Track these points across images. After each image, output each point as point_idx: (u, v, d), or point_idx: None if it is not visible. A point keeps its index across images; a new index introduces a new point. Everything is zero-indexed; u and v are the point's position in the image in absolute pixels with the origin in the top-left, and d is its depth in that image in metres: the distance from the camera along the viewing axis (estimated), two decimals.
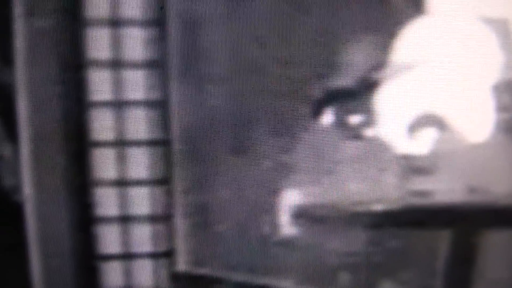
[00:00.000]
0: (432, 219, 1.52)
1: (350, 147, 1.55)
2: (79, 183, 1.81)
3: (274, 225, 1.65)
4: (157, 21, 1.73)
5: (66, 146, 1.79)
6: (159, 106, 1.76)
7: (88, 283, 1.83)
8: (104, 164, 1.79)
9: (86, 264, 1.84)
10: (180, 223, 1.74)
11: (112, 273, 1.85)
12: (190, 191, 1.73)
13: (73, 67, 1.75)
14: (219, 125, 1.65)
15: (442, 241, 1.53)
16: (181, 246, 1.74)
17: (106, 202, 1.81)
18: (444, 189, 1.50)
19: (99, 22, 1.75)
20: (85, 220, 1.83)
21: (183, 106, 1.72)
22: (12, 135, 2.03)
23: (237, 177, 1.64)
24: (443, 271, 1.52)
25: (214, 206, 1.70)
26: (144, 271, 1.84)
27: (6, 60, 1.98)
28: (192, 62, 1.67)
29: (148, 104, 1.76)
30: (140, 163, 1.79)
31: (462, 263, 1.50)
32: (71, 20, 1.74)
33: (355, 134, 1.54)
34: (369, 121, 1.54)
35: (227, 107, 1.65)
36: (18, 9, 1.76)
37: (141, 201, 1.79)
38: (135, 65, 1.74)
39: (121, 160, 1.78)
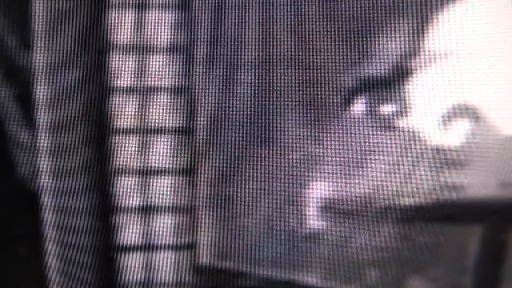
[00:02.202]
0: (464, 214, 1.60)
1: (381, 138, 1.64)
2: (99, 172, 1.91)
3: (301, 219, 1.74)
4: (183, 4, 1.83)
5: (86, 133, 1.89)
6: (184, 93, 1.85)
7: (107, 275, 1.94)
8: (126, 152, 1.89)
9: (105, 256, 1.94)
10: (204, 215, 1.83)
11: (132, 265, 1.95)
12: (214, 182, 1.82)
13: (95, 51, 1.85)
14: (246, 114, 1.74)
15: (473, 237, 1.62)
16: (204, 239, 1.84)
17: (127, 191, 1.92)
18: (476, 183, 1.59)
19: (123, 5, 1.84)
20: (104, 210, 1.93)
21: (209, 94, 1.82)
22: (30, 121, 2.14)
23: (264, 168, 1.73)
24: (473, 268, 1.60)
25: (239, 198, 1.79)
26: (166, 263, 1.94)
27: (24, 44, 2.09)
28: (219, 48, 1.76)
29: (172, 90, 1.86)
30: (163, 152, 1.89)
31: (493, 260, 1.58)
32: (94, 2, 1.84)
33: (386, 124, 1.63)
34: (401, 111, 1.63)
35: (254, 96, 1.74)
36: None
37: (164, 191, 1.89)
38: (159, 50, 1.83)
39: (144, 148, 1.88)
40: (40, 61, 1.87)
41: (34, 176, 2.10)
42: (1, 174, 2.42)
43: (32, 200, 2.10)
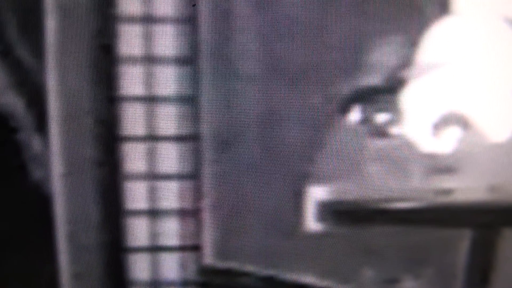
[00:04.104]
0: (454, 218, 1.65)
1: (376, 145, 1.69)
2: (109, 176, 1.96)
3: (300, 220, 1.79)
4: (188, 18, 1.88)
5: (96, 139, 1.94)
6: (189, 102, 1.91)
7: (116, 275, 1.99)
8: (134, 158, 1.94)
9: (114, 257, 1.99)
10: (208, 218, 1.88)
11: (140, 265, 2.00)
12: (218, 186, 1.87)
13: (104, 62, 1.90)
14: (248, 121, 1.79)
15: (463, 239, 1.67)
16: (209, 240, 1.89)
17: (135, 195, 1.97)
18: (467, 188, 1.64)
19: (132, 19, 1.90)
20: (114, 213, 1.98)
21: (213, 102, 1.87)
22: (42, 127, 2.19)
23: (265, 172, 1.78)
24: (464, 269, 1.65)
25: (241, 201, 1.84)
26: (172, 264, 1.99)
27: (36, 52, 2.15)
28: (223, 59, 1.82)
29: (178, 99, 1.91)
30: (169, 158, 1.94)
31: (482, 262, 1.63)
32: (103, 16, 1.90)
33: (381, 131, 1.68)
34: (395, 119, 1.68)
35: (256, 104, 1.79)
36: (49, 5, 1.92)
37: (170, 195, 1.94)
38: (166, 61, 1.89)
39: (151, 154, 1.93)
40: (51, 69, 1.92)
41: (46, 180, 2.15)
42: (14, 179, 2.47)
43: (44, 204, 2.13)
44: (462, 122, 1.64)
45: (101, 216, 2.01)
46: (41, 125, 2.27)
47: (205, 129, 1.89)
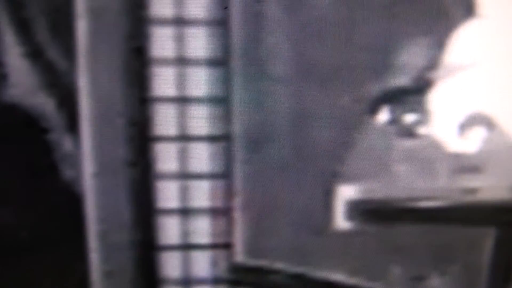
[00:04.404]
0: (479, 216, 1.81)
1: (404, 144, 1.85)
2: (141, 176, 2.13)
3: (330, 219, 1.95)
4: (220, 20, 2.05)
5: (128, 139, 2.12)
6: (221, 102, 2.08)
7: (147, 273, 2.16)
8: (166, 158, 2.12)
9: (146, 255, 2.16)
10: (239, 216, 2.05)
11: (171, 263, 2.17)
12: (249, 186, 2.04)
13: (136, 63, 2.08)
14: (279, 121, 1.96)
15: (487, 237, 1.82)
16: (240, 238, 2.05)
17: (167, 195, 2.14)
18: (491, 187, 1.80)
19: (163, 21, 2.07)
20: (145, 212, 2.15)
21: (244, 103, 2.03)
22: (73, 128, 2.36)
23: (295, 172, 1.94)
24: (488, 267, 1.81)
25: (272, 200, 2.00)
26: (203, 262, 2.16)
27: (67, 54, 2.33)
28: (254, 61, 1.98)
29: (210, 100, 2.08)
30: (201, 158, 2.11)
31: (506, 260, 1.78)
32: (134, 18, 2.07)
33: (409, 132, 1.84)
34: (422, 120, 1.84)
35: (287, 104, 1.95)
36: (80, 6, 2.10)
37: (202, 194, 2.11)
38: (198, 63, 2.06)
39: (183, 154, 2.10)
40: (83, 69, 2.09)
41: (77, 179, 2.33)
42: (46, 179, 2.65)
43: (75, 203, 2.29)
44: (486, 122, 1.80)
45: (132, 215, 2.12)
46: (73, 125, 2.42)
47: (237, 129, 2.04)
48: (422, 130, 1.78)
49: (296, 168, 1.89)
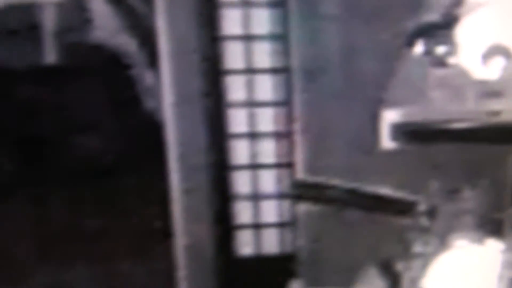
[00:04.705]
0: (503, 135, 2.18)
1: (437, 73, 2.24)
2: (214, 105, 2.53)
3: (377, 140, 2.32)
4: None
5: (202, 73, 2.45)
6: (281, 39, 2.45)
7: (221, 190, 2.46)
8: (235, 89, 2.51)
9: (219, 174, 2.46)
10: (299, 139, 2.41)
11: (242, 181, 2.55)
12: (307, 112, 2.41)
13: (207, 6, 2.47)
14: (331, 55, 2.32)
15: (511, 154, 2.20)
16: (300, 158, 2.44)
17: (237, 121, 2.52)
18: None
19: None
20: (218, 136, 2.42)
21: (302, 39, 2.40)
22: (153, 64, 2.66)
23: (347, 99, 2.31)
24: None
25: (327, 124, 2.36)
26: (269, 179, 2.57)
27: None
28: (309, 1, 2.36)
29: (272, 37, 2.47)
30: (265, 88, 2.51)
31: None
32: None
33: (441, 61, 2.22)
34: (451, 51, 2.21)
35: (338, 40, 2.32)
36: None
37: (267, 120, 2.50)
38: (261, 4, 2.44)
39: (249, 85, 2.50)
40: (161, 14, 2.47)
41: (158, 109, 2.69)
42: (130, 109, 3.08)
43: (157, 130, 2.60)
44: (505, 52, 2.17)
45: (207, 139, 2.39)
46: (153, 62, 2.80)
47: (295, 62, 2.42)
48: (451, 60, 2.14)
49: (346, 96, 2.24)
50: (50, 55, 3.08)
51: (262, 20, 2.29)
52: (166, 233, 2.67)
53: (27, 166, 3.05)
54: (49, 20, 3.01)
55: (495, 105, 2.01)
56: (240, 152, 2.43)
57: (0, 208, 3.01)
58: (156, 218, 2.78)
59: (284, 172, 2.42)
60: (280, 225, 2.48)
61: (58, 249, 3.00)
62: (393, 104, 2.10)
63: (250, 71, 2.36)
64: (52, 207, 3.01)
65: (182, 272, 2.73)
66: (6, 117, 2.95)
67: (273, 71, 2.36)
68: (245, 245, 2.52)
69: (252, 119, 2.40)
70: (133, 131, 2.97)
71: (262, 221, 2.48)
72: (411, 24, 2.10)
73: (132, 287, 2.89)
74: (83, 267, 2.96)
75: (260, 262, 2.53)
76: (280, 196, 2.44)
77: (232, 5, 2.27)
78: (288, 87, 2.35)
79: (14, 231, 3.01)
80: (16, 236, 3.01)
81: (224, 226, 2.50)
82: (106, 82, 3.03)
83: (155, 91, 2.65)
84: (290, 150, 2.37)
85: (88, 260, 2.97)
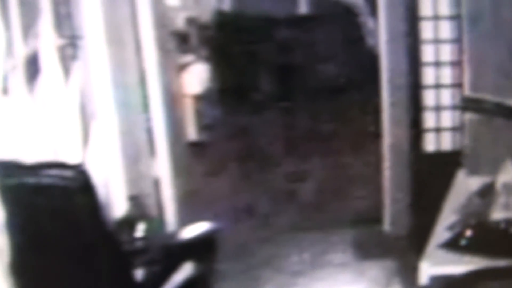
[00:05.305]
0: None
1: None
2: (412, 42, 3.45)
3: None
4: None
5: (405, 18, 3.40)
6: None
7: (415, 103, 3.39)
8: (426, 30, 3.57)
9: (415, 92, 3.36)
10: (466, 67, 3.10)
11: (429, 97, 3.40)
12: (472, 47, 3.10)
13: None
14: (486, 6, 3.10)
15: None
16: (467, 80, 3.11)
17: (426, 54, 3.39)
18: None
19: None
20: (415, 65, 3.37)
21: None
22: (374, 12, 3.61)
23: (495, 37, 2.96)
24: None
25: (484, 56, 3.00)
26: (447, 95, 3.43)
27: None
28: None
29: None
30: (445, 30, 3.54)
31: None
32: None
33: None
34: None
35: None
36: None
37: (446, 52, 3.50)
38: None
39: (435, 27, 3.56)
40: None
41: (376, 45, 3.70)
42: (357, 45, 4.13)
43: (374, 60, 3.55)
44: None
45: (407, 66, 3.34)
46: (374, 11, 3.66)
47: (464, 11, 3.08)
48: None
49: (495, 36, 2.98)
50: (303, 7, 4.09)
51: None
52: (377, 135, 3.57)
53: (281, 87, 4.05)
54: None
55: None
56: (428, 76, 3.34)
57: (259, 118, 4.00)
58: (371, 124, 3.65)
59: (456, 90, 3.29)
60: (453, 129, 3.32)
61: (300, 147, 3.94)
62: None
63: (436, 17, 3.28)
64: (298, 116, 3.98)
65: (386, 163, 3.67)
66: (269, 52, 3.92)
67: (451, 17, 3.26)
68: (429, 143, 3.40)
69: (436, 52, 3.33)
70: (358, 61, 3.89)
71: (441, 126, 3.36)
72: None
73: (350, 176, 3.78)
74: (318, 159, 3.91)
75: (439, 156, 3.39)
76: (453, 107, 3.31)
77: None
78: (459, 29, 3.20)
79: (269, 134, 3.97)
80: (270, 138, 3.98)
81: (416, 129, 3.37)
82: (341, 26, 4.00)
83: (375, 33, 3.58)
84: (461, 75, 3.19)
85: (322, 155, 3.90)
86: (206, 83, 3.81)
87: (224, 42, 3.80)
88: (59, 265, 2.55)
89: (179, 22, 3.73)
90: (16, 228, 2.51)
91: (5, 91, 2.58)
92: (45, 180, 2.46)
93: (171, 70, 3.55)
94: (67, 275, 2.56)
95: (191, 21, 3.79)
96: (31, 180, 2.47)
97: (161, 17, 3.42)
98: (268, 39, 3.80)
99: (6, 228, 2.46)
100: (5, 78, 2.59)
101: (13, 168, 2.50)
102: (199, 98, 3.81)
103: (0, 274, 2.47)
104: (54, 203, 2.47)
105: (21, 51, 2.73)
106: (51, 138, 2.93)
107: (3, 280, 2.47)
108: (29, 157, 2.69)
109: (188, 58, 3.76)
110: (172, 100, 3.52)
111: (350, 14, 3.88)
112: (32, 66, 2.85)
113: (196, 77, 3.78)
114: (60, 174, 2.45)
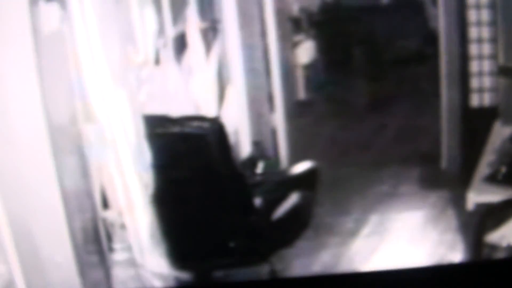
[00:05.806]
0: None
1: None
2: None
3: None
4: None
5: None
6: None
7: None
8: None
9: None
10: (501, 43, 4.00)
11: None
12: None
13: None
14: None
15: None
16: (501, 50, 4.00)
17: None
18: None
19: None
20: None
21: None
22: (435, 2, 4.38)
23: None
24: None
25: None
26: (488, 65, 4.23)
27: None
28: None
29: None
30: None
31: None
32: None
33: None
34: None
35: None
36: None
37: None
38: None
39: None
40: None
41: (435, 28, 4.47)
42: (421, 26, 4.68)
43: (433, 36, 4.46)
44: None
45: (458, 43, 4.29)
46: (434, 1, 4.44)
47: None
48: None
49: None
50: None
51: None
52: (436, 95, 4.39)
53: (362, 58, 4.61)
54: None
55: None
56: (473, 49, 4.27)
57: (352, 84, 4.68)
58: (429, 83, 4.41)
59: (491, 62, 4.10)
60: (491, 89, 4.16)
61: (382, 105, 4.59)
62: None
63: (478, 6, 4.26)
64: (382, 81, 4.59)
65: (443, 116, 4.47)
66: (360, 32, 4.52)
67: (489, 6, 4.10)
68: (475, 101, 4.27)
69: (479, 31, 4.28)
70: (423, 37, 4.54)
71: (484, 87, 4.21)
72: None
73: (417, 127, 4.51)
74: (393, 116, 4.60)
75: (482, 110, 4.22)
76: (490, 73, 4.16)
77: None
78: (495, 14, 4.01)
79: (355, 98, 4.60)
80: (356, 99, 4.61)
81: (465, 90, 4.35)
82: (414, 13, 4.59)
83: (434, 17, 4.32)
84: (497, 48, 4.06)
85: (396, 112, 4.65)
86: (313, 56, 4.58)
87: (327, 25, 4.48)
88: (194, 195, 2.98)
89: (294, 10, 4.58)
90: (160, 168, 2.95)
91: (157, 62, 3.45)
92: (188, 130, 2.97)
93: (287, 46, 4.43)
94: (200, 203, 2.99)
95: (303, 9, 4.61)
96: (176, 129, 2.97)
97: (281, 6, 4.35)
98: (359, 23, 4.31)
99: (152, 167, 2.93)
100: (157, 52, 3.46)
101: (162, 120, 2.99)
102: (307, 67, 4.57)
103: (145, 203, 2.93)
104: (194, 148, 2.93)
105: (171, 32, 3.66)
106: (194, 98, 3.77)
107: (148, 208, 2.95)
108: (175, 112, 3.27)
109: (300, 37, 4.55)
110: (287, 69, 4.39)
111: (418, 3, 4.52)
112: (180, 44, 3.75)
113: (306, 51, 4.57)
114: (200, 125, 3.01)
